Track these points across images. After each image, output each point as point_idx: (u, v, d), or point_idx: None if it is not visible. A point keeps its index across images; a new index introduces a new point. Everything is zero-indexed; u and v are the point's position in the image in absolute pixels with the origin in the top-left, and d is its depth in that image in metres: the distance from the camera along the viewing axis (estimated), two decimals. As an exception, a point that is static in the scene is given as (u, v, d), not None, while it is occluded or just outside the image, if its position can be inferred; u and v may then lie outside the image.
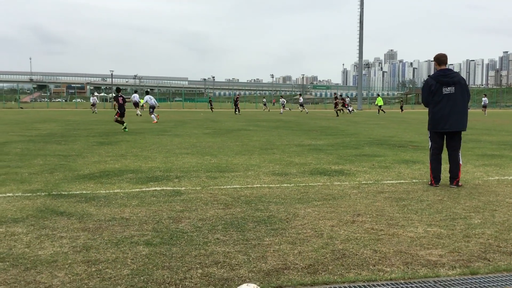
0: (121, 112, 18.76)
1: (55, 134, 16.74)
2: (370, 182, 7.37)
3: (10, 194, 6.20)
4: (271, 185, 7.01)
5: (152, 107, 26.54)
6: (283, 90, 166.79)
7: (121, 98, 19.26)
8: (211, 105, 54.40)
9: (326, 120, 30.33)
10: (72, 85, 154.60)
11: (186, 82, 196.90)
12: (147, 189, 6.67)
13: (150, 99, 26.65)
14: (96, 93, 48.24)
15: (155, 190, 6.60)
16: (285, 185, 7.07)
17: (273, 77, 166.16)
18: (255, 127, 22.10)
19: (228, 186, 6.90)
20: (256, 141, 14.39)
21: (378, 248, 4.16)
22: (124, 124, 18.51)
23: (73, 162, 9.26)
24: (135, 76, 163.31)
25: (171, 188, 6.71)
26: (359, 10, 72.46)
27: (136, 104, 36.01)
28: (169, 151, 11.45)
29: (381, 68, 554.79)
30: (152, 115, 26.22)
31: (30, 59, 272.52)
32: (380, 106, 47.01)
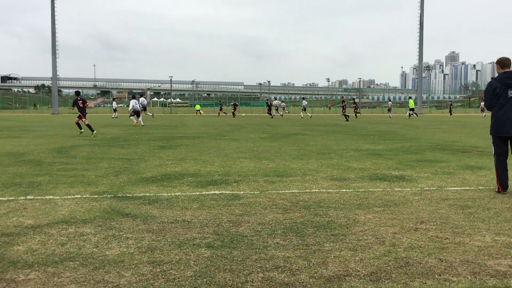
0: (84, 114, 19.20)
1: (118, 138, 17.37)
2: (433, 188, 7.15)
3: (79, 196, 6.50)
4: (329, 190, 6.95)
5: (136, 112, 26.91)
6: (339, 94, 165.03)
7: (81, 101, 19.66)
8: (234, 108, 54.94)
9: (384, 125, 29.72)
10: (133, 91, 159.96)
11: (242, 87, 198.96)
12: (206, 192, 6.79)
13: (135, 103, 27.23)
14: (115, 99, 49.99)
15: (214, 193, 6.71)
16: (344, 190, 6.99)
17: (329, 81, 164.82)
18: (312, 131, 21.98)
19: (286, 191, 6.91)
20: (313, 145, 14.32)
21: (444, 257, 4.03)
22: (90, 128, 18.91)
23: (136, 166, 9.58)
24: (193, 81, 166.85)
25: (230, 192, 6.80)
26: (419, 11, 70.57)
27: (144, 108, 37.30)
28: (227, 155, 11.60)
29: (442, 70, 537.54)
30: (132, 117, 26.77)
31: (94, 66, 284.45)
32: (412, 109, 44.33)
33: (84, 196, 6.50)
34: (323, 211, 5.64)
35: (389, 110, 53.04)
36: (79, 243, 4.37)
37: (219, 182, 7.67)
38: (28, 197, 6.40)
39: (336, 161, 10.42)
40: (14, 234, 4.65)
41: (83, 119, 19.04)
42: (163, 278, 3.55)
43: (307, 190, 6.95)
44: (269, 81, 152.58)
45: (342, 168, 9.22)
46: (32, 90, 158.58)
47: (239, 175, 8.40)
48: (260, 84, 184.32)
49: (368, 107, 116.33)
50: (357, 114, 46.61)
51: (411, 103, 44.89)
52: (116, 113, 49.01)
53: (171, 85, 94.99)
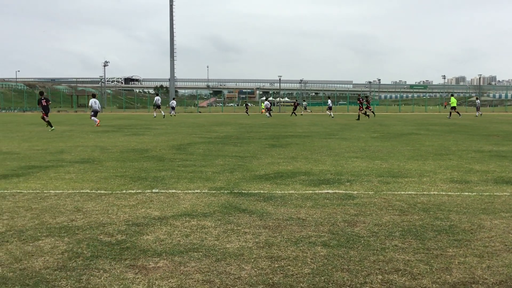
0: (46, 113, 22.25)
1: (231, 136, 18.00)
2: None
3: (198, 191, 6.85)
4: (449, 193, 6.60)
5: (95, 111, 26.51)
6: (456, 92, 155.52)
7: (44, 100, 22.83)
8: (246, 108, 55.67)
9: (508, 124, 27.49)
10: (243, 90, 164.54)
11: (351, 86, 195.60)
12: (319, 191, 6.80)
13: (94, 103, 26.88)
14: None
15: (328, 192, 6.69)
16: (466, 193, 6.59)
17: (444, 78, 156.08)
18: (426, 131, 21.00)
19: (402, 192, 6.69)
20: (429, 146, 13.67)
21: None
22: (50, 124, 21.58)
23: (249, 163, 9.86)
24: (301, 80, 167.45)
25: (344, 192, 6.74)
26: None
27: (158, 106, 41.30)
28: (338, 154, 11.50)
29: None
30: (93, 118, 26.23)
31: (207, 67, 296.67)
32: (453, 108, 38.30)
33: (203, 191, 6.84)
34: (444, 214, 5.38)
35: (477, 109, 48.43)
36: (201, 235, 4.62)
37: (331, 181, 7.63)
38: (154, 190, 6.88)
39: (456, 162, 9.85)
40: (143, 224, 5.03)
41: (45, 116, 22.10)
42: (282, 273, 3.62)
43: (425, 192, 6.67)
44: (379, 79, 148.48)
45: (463, 170, 8.70)
46: (151, 91, 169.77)
47: (352, 174, 8.28)
48: (370, 82, 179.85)
49: (489, 106, 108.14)
50: (367, 113, 38.07)
51: (453, 101, 38.64)
52: (174, 111, 49.84)
53: (280, 85, 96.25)
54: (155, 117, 40.38)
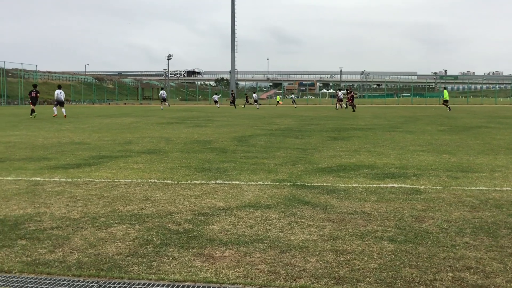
0: (33, 103, 26.10)
1: (292, 128, 17.97)
2: None
3: (261, 183, 6.90)
4: (524, 190, 6.27)
5: (60, 102, 26.82)
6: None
7: (34, 92, 26.69)
8: (246, 101, 53.62)
9: None
10: (303, 83, 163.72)
11: (415, 77, 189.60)
12: (384, 185, 6.66)
13: (60, 94, 27.13)
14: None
15: (393, 187, 6.54)
16: (543, 190, 6.24)
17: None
18: (497, 124, 20.02)
19: (472, 188, 6.43)
20: (500, 139, 13.03)
21: None
22: (34, 113, 25.42)
23: (311, 156, 9.81)
24: (362, 72, 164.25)
25: (410, 186, 6.56)
26: None
27: (164, 99, 43.61)
28: (403, 147, 11.21)
29: None
30: (54, 108, 27.08)
31: (268, 59, 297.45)
32: (445, 101, 37.13)
33: (266, 183, 6.88)
34: (518, 212, 5.12)
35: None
36: (265, 227, 4.66)
37: (396, 175, 7.46)
38: (217, 181, 7.00)
39: (530, 157, 9.34)
40: (209, 214, 5.14)
41: (33, 107, 25.78)
42: (347, 267, 3.59)
43: (497, 188, 6.38)
44: (445, 70, 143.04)
45: (538, 166, 8.24)
46: (212, 83, 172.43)
47: (418, 168, 8.05)
48: (435, 73, 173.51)
49: None
50: (348, 106, 38.49)
51: (446, 94, 37.28)
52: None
53: (340, 76, 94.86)
54: (162, 109, 41.43)
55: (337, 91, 45.93)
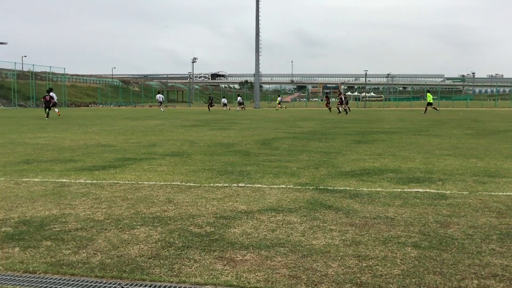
0: (46, 106, 27.37)
1: (315, 132, 17.89)
2: None
3: (283, 186, 6.88)
4: (554, 196, 6.09)
5: (53, 103, 28.62)
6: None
7: (48, 96, 27.57)
8: (210, 102, 50.84)
9: None
10: (328, 85, 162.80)
11: (442, 79, 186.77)
12: (409, 190, 6.56)
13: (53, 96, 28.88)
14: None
15: (418, 191, 6.44)
16: None
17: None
18: (527, 128, 19.54)
19: (500, 193, 6.28)
20: (529, 144, 12.72)
21: None
22: (48, 114, 27.11)
23: (334, 159, 9.74)
24: (388, 74, 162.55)
25: (435, 191, 6.45)
26: None
27: (161, 103, 46.81)
28: (428, 151, 11.03)
29: None
30: (48, 110, 28.58)
31: (292, 62, 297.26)
32: (429, 104, 38.25)
33: (289, 186, 6.86)
34: (548, 218, 4.98)
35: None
36: (287, 231, 4.63)
37: (421, 179, 7.34)
38: (240, 184, 7.01)
39: (561, 162, 9.08)
40: (230, 217, 5.14)
41: (46, 110, 27.26)
42: (370, 273, 3.55)
43: (525, 194, 6.21)
44: (473, 73, 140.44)
45: None
46: (237, 86, 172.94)
47: (444, 173, 7.91)
48: (463, 76, 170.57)
49: None
50: (340, 109, 39.18)
51: (429, 97, 38.36)
52: (226, 107, 52.25)
53: (365, 79, 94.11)
54: (163, 111, 43.07)
55: (327, 95, 49.24)
